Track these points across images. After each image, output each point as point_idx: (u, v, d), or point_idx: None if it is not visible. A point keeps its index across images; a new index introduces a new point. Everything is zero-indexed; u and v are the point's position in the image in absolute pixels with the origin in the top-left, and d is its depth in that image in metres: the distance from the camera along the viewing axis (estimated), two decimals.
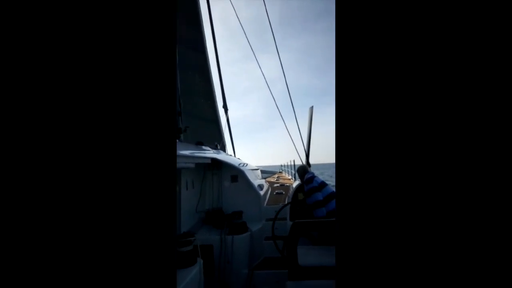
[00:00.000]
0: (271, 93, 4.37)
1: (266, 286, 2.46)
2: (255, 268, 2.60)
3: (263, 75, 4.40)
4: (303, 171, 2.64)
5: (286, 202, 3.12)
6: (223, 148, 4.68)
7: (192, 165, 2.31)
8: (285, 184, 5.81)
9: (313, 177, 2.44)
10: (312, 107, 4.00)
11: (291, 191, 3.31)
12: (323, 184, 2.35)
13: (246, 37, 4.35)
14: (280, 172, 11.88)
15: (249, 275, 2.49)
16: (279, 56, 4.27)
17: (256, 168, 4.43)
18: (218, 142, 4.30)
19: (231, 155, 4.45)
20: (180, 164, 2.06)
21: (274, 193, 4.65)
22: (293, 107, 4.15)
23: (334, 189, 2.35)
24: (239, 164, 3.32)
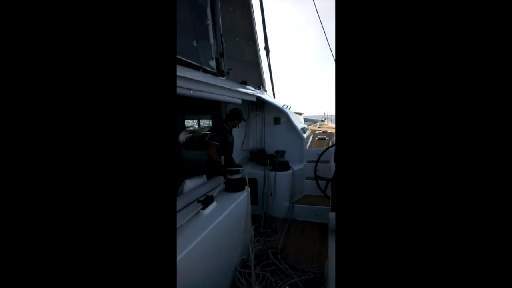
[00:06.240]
0: (323, 28, 3.82)
1: (304, 217, 2.65)
2: (296, 202, 2.78)
3: (316, 9, 3.80)
4: None
5: (330, 145, 3.06)
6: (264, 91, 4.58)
7: (239, 101, 2.35)
8: (328, 131, 5.61)
9: None
10: None
11: (334, 136, 3.19)
12: None
13: None
14: (322, 120, 11.46)
15: (290, 207, 2.70)
16: None
17: (300, 113, 4.31)
18: (260, 84, 4.20)
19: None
20: (227, 98, 2.12)
21: (317, 138, 4.57)
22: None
23: None
24: (283, 105, 3.25)
